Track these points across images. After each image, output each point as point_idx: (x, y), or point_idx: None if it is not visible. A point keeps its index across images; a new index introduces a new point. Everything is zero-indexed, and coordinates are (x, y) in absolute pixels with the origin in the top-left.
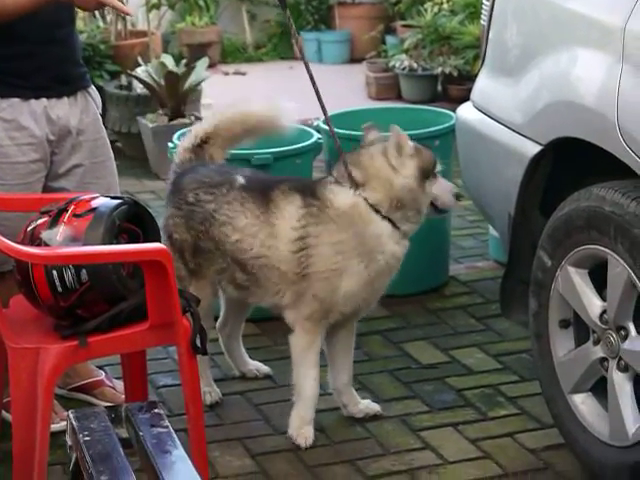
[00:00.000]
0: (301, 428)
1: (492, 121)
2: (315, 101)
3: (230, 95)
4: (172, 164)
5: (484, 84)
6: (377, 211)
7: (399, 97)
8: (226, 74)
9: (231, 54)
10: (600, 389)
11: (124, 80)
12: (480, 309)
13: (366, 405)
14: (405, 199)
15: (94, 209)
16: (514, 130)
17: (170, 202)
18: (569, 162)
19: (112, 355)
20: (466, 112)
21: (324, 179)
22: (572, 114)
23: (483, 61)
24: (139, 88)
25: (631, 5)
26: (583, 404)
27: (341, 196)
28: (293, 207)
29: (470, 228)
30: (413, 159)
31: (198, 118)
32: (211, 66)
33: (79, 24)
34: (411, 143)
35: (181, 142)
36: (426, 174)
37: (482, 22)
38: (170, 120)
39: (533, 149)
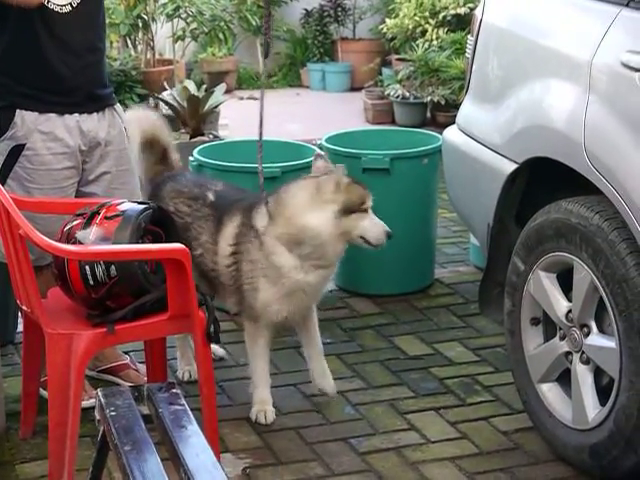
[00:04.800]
0: (260, 408)
1: (474, 142)
2: (318, 123)
3: (245, 117)
4: (144, 180)
5: (468, 109)
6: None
7: (393, 121)
8: (241, 99)
9: (246, 81)
10: (565, 379)
11: (152, 102)
12: (461, 308)
13: (331, 386)
14: (305, 239)
15: (123, 212)
16: (493, 150)
17: None
18: (542, 179)
19: (136, 341)
20: (452, 134)
21: (261, 204)
22: (544, 137)
23: (467, 89)
24: (164, 109)
25: (597, 42)
26: (550, 392)
27: (260, 223)
28: (232, 226)
29: (453, 237)
30: (338, 197)
31: (216, 136)
32: (228, 91)
33: (113, 52)
34: (345, 179)
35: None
36: (349, 210)
37: (467, 56)
38: (191, 138)
39: (510, 167)
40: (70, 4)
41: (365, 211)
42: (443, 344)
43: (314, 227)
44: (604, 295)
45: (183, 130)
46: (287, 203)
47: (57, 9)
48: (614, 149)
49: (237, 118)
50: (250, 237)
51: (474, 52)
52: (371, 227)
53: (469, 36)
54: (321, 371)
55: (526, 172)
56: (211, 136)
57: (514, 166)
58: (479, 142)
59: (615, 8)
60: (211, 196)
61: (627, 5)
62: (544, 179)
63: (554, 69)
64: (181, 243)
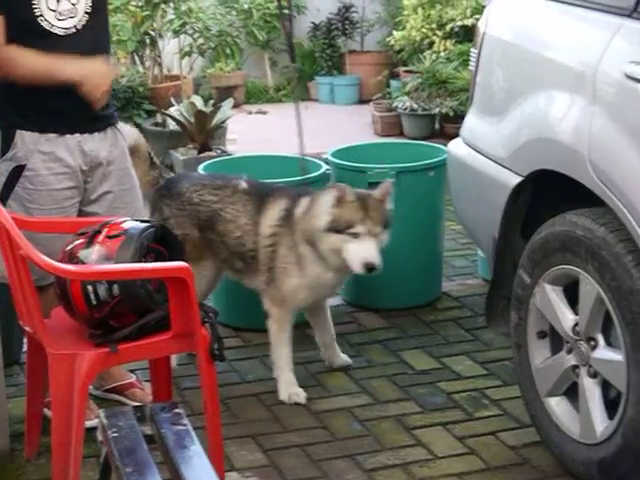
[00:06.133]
0: (291, 391)
1: (479, 155)
2: (327, 136)
3: (253, 131)
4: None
5: (472, 122)
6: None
7: (401, 134)
8: (249, 113)
9: (254, 95)
10: (572, 393)
11: (159, 118)
12: (469, 321)
13: (344, 359)
14: (309, 241)
15: (125, 231)
16: (498, 163)
17: (167, 206)
18: (547, 191)
19: (140, 361)
20: (456, 147)
21: (306, 195)
22: (549, 149)
23: (471, 102)
24: (172, 125)
25: (600, 54)
26: (557, 406)
27: (298, 212)
28: (275, 209)
29: (462, 250)
30: (332, 213)
31: (224, 152)
32: (236, 106)
33: (122, 69)
34: (350, 197)
35: None
36: (335, 229)
37: (470, 68)
38: (199, 153)
39: (515, 180)
40: (75, 27)
41: (354, 235)
42: (451, 358)
43: (315, 233)
44: (610, 308)
45: (191, 146)
46: (312, 202)
47: (61, 33)
48: (618, 161)
49: (246, 132)
50: (290, 223)
51: (477, 65)
52: (352, 254)
53: (472, 49)
54: (336, 354)
55: (531, 185)
56: (219, 151)
57: (519, 179)
58: (484, 155)
59: (618, 19)
60: (244, 184)
61: (630, 16)
62: (550, 192)
63: (558, 81)
64: (184, 261)
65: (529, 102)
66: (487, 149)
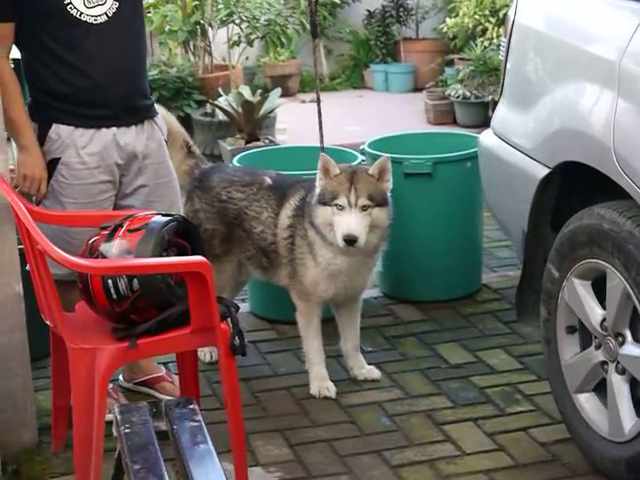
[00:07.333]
0: (321, 385)
1: (508, 146)
2: (379, 125)
3: (304, 120)
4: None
5: (502, 112)
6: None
7: (454, 122)
8: (303, 102)
9: (309, 84)
10: (602, 389)
11: (209, 108)
12: (507, 314)
13: (368, 370)
14: (312, 222)
15: (146, 225)
16: (526, 154)
17: (198, 198)
18: (577, 183)
19: (160, 355)
20: (487, 138)
21: None
22: (576, 141)
23: (501, 92)
24: (220, 115)
25: (625, 42)
26: (586, 403)
27: (307, 200)
28: (292, 201)
29: (506, 240)
30: (320, 185)
31: (272, 141)
32: (290, 95)
33: (176, 60)
34: (335, 168)
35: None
36: (323, 202)
37: (500, 57)
38: (247, 143)
39: (542, 171)
40: (105, 14)
41: (338, 207)
42: (486, 351)
43: (311, 209)
44: (637, 303)
45: (238, 136)
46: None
47: (91, 20)
48: None
49: (298, 122)
50: (302, 212)
51: (507, 53)
52: (336, 226)
53: (502, 37)
54: (359, 364)
55: (559, 177)
56: (267, 141)
57: (547, 170)
58: (513, 146)
59: None
60: (269, 180)
61: None
62: (579, 183)
63: (586, 71)
64: (205, 256)
65: (557, 92)
66: (516, 140)
